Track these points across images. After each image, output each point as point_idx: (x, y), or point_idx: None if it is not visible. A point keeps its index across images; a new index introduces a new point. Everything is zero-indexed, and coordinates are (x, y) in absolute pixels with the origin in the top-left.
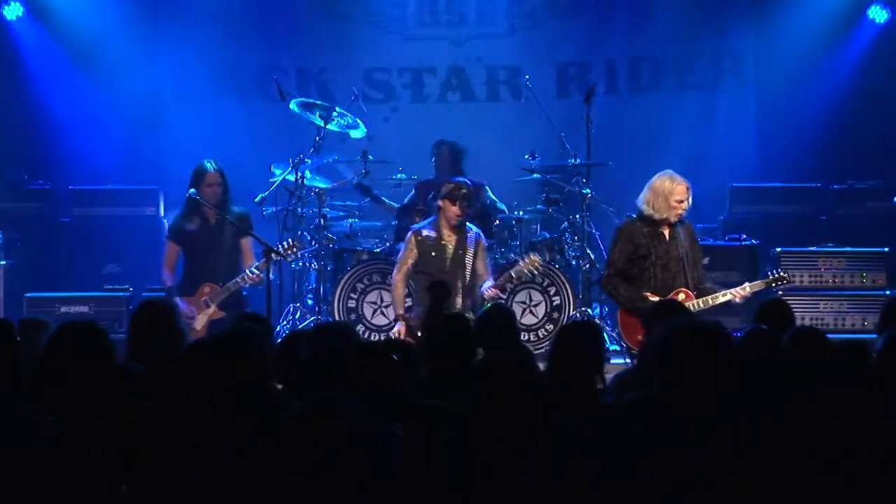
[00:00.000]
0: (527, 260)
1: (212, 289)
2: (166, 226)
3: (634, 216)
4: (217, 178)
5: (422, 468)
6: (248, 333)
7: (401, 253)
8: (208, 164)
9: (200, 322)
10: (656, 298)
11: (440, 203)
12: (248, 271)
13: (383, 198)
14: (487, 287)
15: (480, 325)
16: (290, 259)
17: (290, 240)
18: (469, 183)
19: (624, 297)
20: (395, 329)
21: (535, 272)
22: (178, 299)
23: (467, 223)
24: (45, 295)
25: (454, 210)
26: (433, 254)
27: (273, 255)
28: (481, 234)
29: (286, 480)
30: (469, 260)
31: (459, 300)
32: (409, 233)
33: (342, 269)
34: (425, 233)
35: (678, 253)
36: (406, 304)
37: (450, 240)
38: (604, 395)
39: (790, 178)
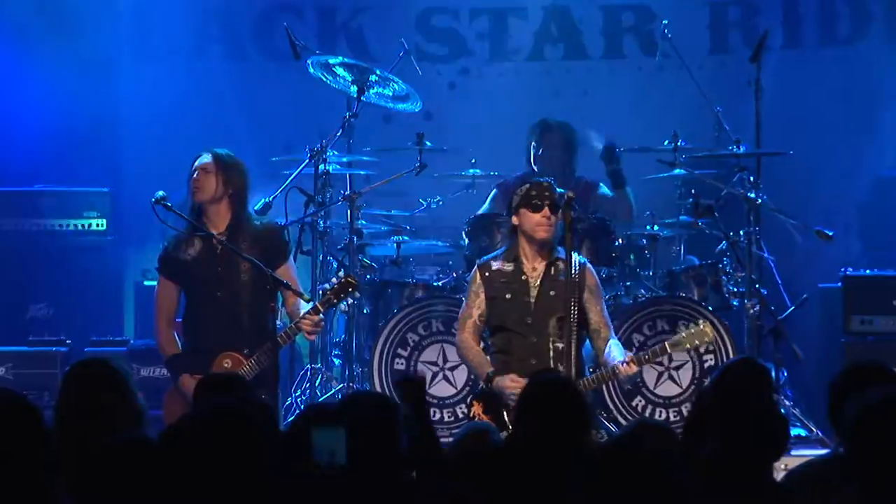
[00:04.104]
0: (693, 330)
1: (235, 361)
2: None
3: None
4: (209, 165)
5: None
6: (233, 414)
7: (464, 303)
8: (204, 153)
9: None
10: None
11: (514, 218)
12: (291, 325)
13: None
14: (621, 359)
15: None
16: (341, 305)
17: (339, 274)
18: (559, 189)
19: None
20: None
21: (704, 347)
22: (184, 379)
23: (563, 248)
24: None
25: (536, 220)
26: (507, 297)
27: (324, 301)
28: (588, 263)
29: None
30: (570, 306)
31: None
32: (474, 269)
33: (386, 311)
34: (496, 266)
35: None
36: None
37: (533, 274)
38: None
39: None
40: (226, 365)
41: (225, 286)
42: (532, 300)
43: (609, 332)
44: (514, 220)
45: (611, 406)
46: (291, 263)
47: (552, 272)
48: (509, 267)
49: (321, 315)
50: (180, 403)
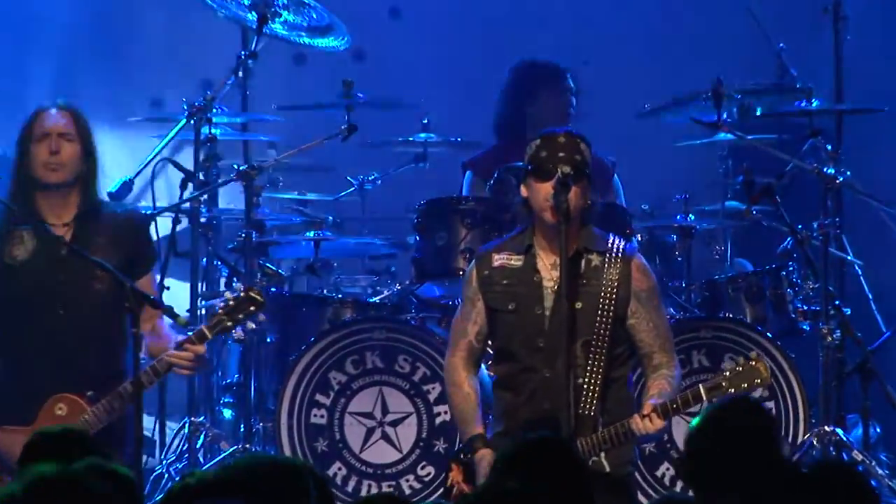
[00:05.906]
0: (741, 367)
1: (72, 407)
2: None
3: None
4: (70, 129)
5: None
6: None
7: (457, 310)
8: (53, 108)
9: None
10: None
11: (524, 187)
12: (161, 358)
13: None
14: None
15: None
16: (235, 333)
17: (236, 286)
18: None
19: None
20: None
21: (759, 391)
22: None
23: (598, 230)
24: None
25: (546, 194)
26: (511, 306)
27: (214, 325)
28: (635, 250)
29: None
30: (605, 315)
31: (586, 412)
32: (471, 263)
33: (299, 340)
34: (499, 260)
35: None
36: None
37: (548, 271)
38: None
39: None
40: (59, 412)
41: (70, 301)
42: (546, 313)
43: (664, 359)
44: (524, 191)
45: None
46: (154, 274)
47: (581, 270)
48: (517, 261)
49: (205, 345)
50: None
